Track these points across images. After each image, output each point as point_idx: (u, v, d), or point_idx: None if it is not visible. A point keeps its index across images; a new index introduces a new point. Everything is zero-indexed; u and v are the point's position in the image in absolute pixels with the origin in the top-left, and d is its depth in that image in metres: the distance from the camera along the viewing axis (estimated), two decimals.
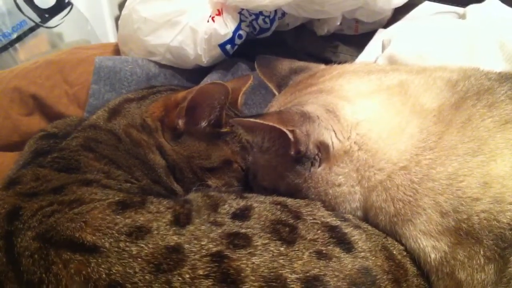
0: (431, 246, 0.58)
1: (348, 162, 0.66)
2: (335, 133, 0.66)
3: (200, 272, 0.50)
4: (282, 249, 0.54)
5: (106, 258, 0.51)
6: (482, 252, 0.54)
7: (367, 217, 0.66)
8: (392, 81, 0.71)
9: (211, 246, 0.53)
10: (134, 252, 0.51)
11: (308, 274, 0.52)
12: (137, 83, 1.11)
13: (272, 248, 0.54)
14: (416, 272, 0.60)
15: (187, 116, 0.78)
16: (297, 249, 0.55)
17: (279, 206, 0.61)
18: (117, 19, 1.42)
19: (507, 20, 1.02)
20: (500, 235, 0.53)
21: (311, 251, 0.55)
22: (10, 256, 0.53)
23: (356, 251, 0.57)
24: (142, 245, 0.52)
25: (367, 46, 1.14)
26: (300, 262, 0.53)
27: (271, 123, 0.64)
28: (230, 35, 1.12)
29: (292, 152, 0.67)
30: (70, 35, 1.50)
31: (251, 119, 0.67)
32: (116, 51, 1.26)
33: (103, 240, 0.52)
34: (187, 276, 0.50)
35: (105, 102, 0.93)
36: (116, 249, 0.51)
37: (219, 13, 1.11)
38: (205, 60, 1.14)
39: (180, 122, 0.78)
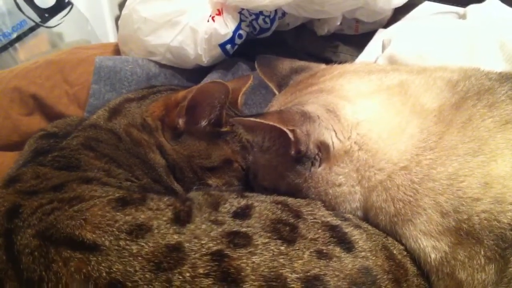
0: (431, 246, 0.58)
1: (348, 162, 0.66)
2: (336, 133, 0.66)
3: (201, 270, 0.50)
4: (282, 248, 0.54)
5: (106, 256, 0.51)
6: (482, 252, 0.54)
7: (368, 217, 0.66)
8: (393, 81, 0.71)
9: (211, 245, 0.53)
10: (134, 251, 0.51)
11: (308, 274, 0.52)
12: (137, 83, 1.11)
13: (272, 247, 0.54)
14: (416, 272, 0.60)
15: (188, 116, 0.78)
16: (297, 248, 0.55)
17: (279, 205, 0.61)
18: (117, 19, 1.42)
19: (507, 20, 1.02)
20: (500, 235, 0.53)
21: (311, 250, 0.55)
22: (10, 254, 0.53)
23: (357, 250, 0.57)
24: (143, 243, 0.52)
25: (367, 46, 1.14)
26: (300, 261, 0.53)
27: (271, 123, 0.64)
28: (230, 35, 1.12)
29: (293, 152, 0.67)
30: (70, 35, 1.50)
31: (252, 119, 0.67)
32: (116, 51, 1.26)
33: (103, 239, 0.52)
34: (188, 274, 0.50)
35: (106, 102, 0.93)
36: (116, 247, 0.51)
37: (219, 13, 1.11)
38: (205, 60, 1.14)
39: (181, 122, 0.78)
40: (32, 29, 1.41)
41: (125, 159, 0.72)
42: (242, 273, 0.50)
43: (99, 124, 0.77)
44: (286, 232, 0.56)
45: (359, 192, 0.66)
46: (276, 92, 0.88)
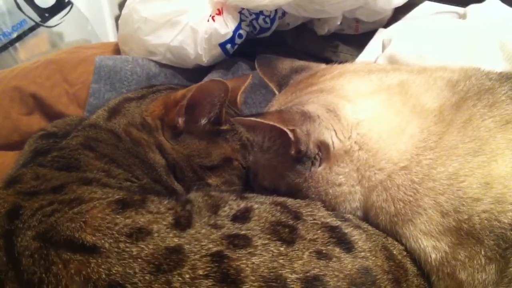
0: (431, 246, 0.58)
1: (348, 162, 0.66)
2: (336, 133, 0.66)
3: (200, 272, 0.50)
4: (282, 249, 0.54)
5: (106, 258, 0.51)
6: (483, 252, 0.54)
7: (368, 217, 0.66)
8: (393, 81, 0.71)
9: (211, 246, 0.53)
10: (134, 253, 0.51)
11: (308, 274, 0.52)
12: (137, 82, 1.11)
13: (272, 248, 0.54)
14: (416, 272, 0.60)
15: (187, 114, 0.78)
16: (297, 249, 0.55)
17: (279, 207, 0.61)
18: (117, 18, 1.41)
19: (507, 20, 1.02)
20: (501, 235, 0.53)
21: (311, 251, 0.55)
22: (10, 255, 0.53)
23: (356, 251, 0.57)
24: (143, 246, 0.52)
25: (367, 46, 1.14)
26: (300, 262, 0.53)
27: (271, 122, 0.64)
28: (230, 35, 1.12)
29: (293, 152, 0.67)
30: (70, 34, 1.50)
31: (252, 118, 0.67)
32: (117, 50, 1.26)
33: (103, 241, 0.52)
34: (187, 276, 0.50)
35: (105, 101, 0.93)
36: (116, 249, 0.51)
37: (219, 13, 1.11)
38: (205, 60, 1.14)
39: (180, 120, 0.78)
40: (32, 29, 1.41)
41: (124, 159, 0.72)
42: (242, 274, 0.50)
43: (98, 124, 0.77)
44: (285, 233, 0.56)
45: (359, 192, 0.66)
46: (276, 92, 0.88)
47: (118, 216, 0.55)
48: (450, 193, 0.58)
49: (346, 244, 0.58)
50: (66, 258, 0.51)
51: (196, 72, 1.19)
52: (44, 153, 0.70)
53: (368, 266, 0.56)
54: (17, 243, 0.54)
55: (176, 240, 0.53)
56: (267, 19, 1.15)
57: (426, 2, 1.19)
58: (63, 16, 1.45)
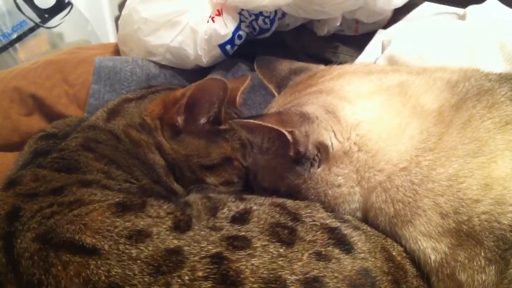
0: (431, 247, 0.58)
1: (347, 163, 0.66)
2: (335, 134, 0.66)
3: (200, 273, 0.50)
4: (281, 250, 0.54)
5: (106, 260, 0.51)
6: (482, 254, 0.54)
7: (367, 218, 0.66)
8: (392, 82, 0.71)
9: (210, 247, 0.53)
10: (133, 254, 0.51)
11: (307, 275, 0.52)
12: (137, 83, 1.11)
13: (271, 250, 0.54)
14: (415, 273, 0.60)
15: (186, 113, 0.78)
16: (296, 250, 0.55)
17: (278, 208, 0.61)
18: (117, 19, 1.41)
19: (507, 21, 1.02)
20: (501, 236, 0.53)
21: (310, 252, 0.55)
22: (10, 257, 0.53)
23: (356, 252, 0.57)
24: (142, 247, 0.52)
25: (367, 47, 1.13)
26: (299, 263, 0.53)
27: (269, 125, 0.64)
28: (230, 36, 1.12)
29: (291, 153, 0.67)
30: (70, 35, 1.50)
31: (250, 120, 0.67)
32: (116, 51, 1.26)
33: (102, 243, 0.52)
34: (187, 278, 0.50)
35: (105, 102, 0.93)
36: (116, 251, 0.51)
37: (219, 14, 1.11)
38: (205, 61, 1.14)
39: (179, 119, 0.78)
40: (32, 30, 1.41)
41: (124, 160, 0.72)
42: (242, 276, 0.50)
43: (98, 125, 0.77)
44: (285, 234, 0.56)
45: (358, 193, 0.66)
46: (275, 93, 0.88)
47: (117, 219, 0.55)
48: (450, 194, 0.58)
49: (346, 245, 0.58)
50: (65, 260, 0.51)
51: (196, 73, 1.19)
52: (44, 154, 0.70)
53: (368, 267, 0.56)
54: (16, 244, 0.54)
55: (176, 242, 0.53)
56: (267, 20, 1.15)
57: (426, 3, 1.19)
58: (63, 17, 1.45)
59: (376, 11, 1.17)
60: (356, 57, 1.14)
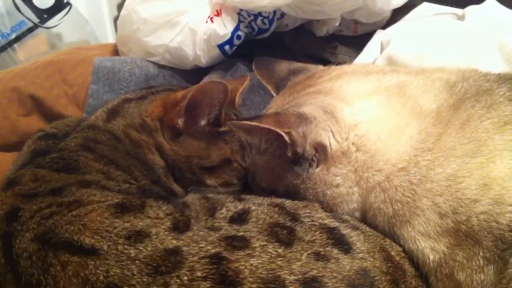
0: (429, 247, 0.58)
1: (346, 163, 0.66)
2: (333, 134, 0.66)
3: (199, 274, 0.50)
4: (280, 250, 0.54)
5: (104, 260, 0.51)
6: (481, 253, 0.54)
7: (366, 218, 0.66)
8: (391, 82, 0.71)
9: (209, 248, 0.53)
10: (132, 255, 0.51)
11: (306, 275, 0.52)
12: (136, 83, 1.11)
13: (270, 250, 0.54)
14: (414, 273, 0.60)
15: (187, 115, 0.78)
16: (295, 250, 0.55)
17: (276, 209, 0.61)
18: (116, 19, 1.41)
19: (505, 21, 1.02)
20: (499, 236, 0.53)
21: (309, 252, 0.55)
22: (8, 257, 0.53)
23: (354, 252, 0.57)
24: (141, 247, 0.52)
25: (365, 47, 1.13)
26: (298, 263, 0.53)
27: (266, 126, 0.64)
28: (229, 36, 1.12)
29: (289, 154, 0.67)
30: (69, 35, 1.50)
31: (247, 122, 0.67)
32: (115, 51, 1.26)
33: (101, 243, 0.52)
34: (185, 278, 0.50)
35: (104, 102, 0.93)
36: (115, 251, 0.51)
37: (218, 14, 1.11)
38: (204, 61, 1.14)
39: (180, 121, 0.78)
40: (31, 30, 1.41)
41: (124, 160, 0.72)
42: (240, 276, 0.50)
43: (97, 125, 0.77)
44: (283, 235, 0.56)
45: (357, 193, 0.66)
46: (274, 94, 0.88)
47: (116, 220, 0.55)
48: (448, 194, 0.58)
49: (344, 245, 0.58)
50: (64, 260, 0.51)
51: (195, 73, 1.19)
52: (43, 154, 0.70)
53: (366, 267, 0.56)
54: (15, 245, 0.54)
55: (175, 242, 0.53)
56: (266, 20, 1.15)
57: (425, 4, 1.19)
58: (62, 17, 1.45)
59: (375, 11, 1.17)
60: (355, 57, 1.14)
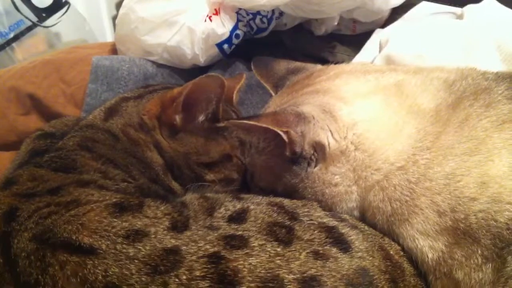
0: (428, 245, 0.59)
1: (344, 162, 0.66)
2: (332, 133, 0.66)
3: (197, 273, 0.50)
4: (279, 249, 0.54)
5: (103, 259, 0.50)
6: (479, 252, 0.54)
7: (365, 216, 0.66)
8: (389, 81, 0.71)
9: (208, 247, 0.53)
10: (131, 254, 0.51)
11: (305, 275, 0.52)
12: (134, 82, 1.11)
13: (269, 249, 0.54)
14: (413, 272, 0.61)
15: (184, 112, 0.78)
16: (294, 249, 0.55)
17: (275, 208, 0.61)
18: (114, 18, 1.41)
19: (504, 20, 1.02)
20: (497, 234, 0.53)
21: (308, 251, 0.55)
22: (6, 257, 0.53)
23: (353, 251, 0.57)
24: (140, 247, 0.52)
25: (364, 46, 1.13)
26: (297, 262, 0.53)
27: (264, 125, 0.64)
28: (227, 35, 1.12)
29: (288, 153, 0.67)
30: (67, 34, 1.50)
31: (246, 121, 0.67)
32: (114, 50, 1.25)
33: (100, 242, 0.52)
34: (184, 277, 0.50)
35: (102, 101, 0.93)
36: (113, 250, 0.51)
37: (217, 13, 1.11)
38: (202, 60, 1.14)
39: (177, 118, 0.78)
40: (29, 29, 1.41)
41: (122, 159, 0.72)
42: (239, 275, 0.50)
43: (95, 124, 0.77)
44: (282, 234, 0.56)
45: (355, 192, 0.66)
46: (273, 93, 0.88)
47: (115, 220, 0.55)
48: (447, 192, 0.58)
49: (343, 245, 0.58)
50: (62, 260, 0.51)
51: (193, 72, 1.19)
52: (41, 154, 0.70)
53: (365, 266, 0.56)
54: (13, 245, 0.53)
55: (173, 242, 0.53)
56: (264, 19, 1.15)
57: (423, 3, 1.19)
58: (61, 16, 1.45)
59: (374, 10, 1.17)
60: (354, 56, 1.14)
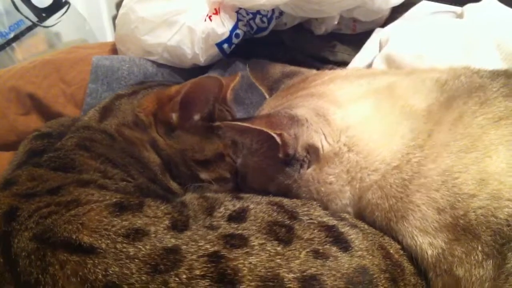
0: (427, 242, 0.59)
1: (338, 164, 0.67)
2: (325, 136, 0.67)
3: (197, 272, 0.50)
4: (279, 248, 0.54)
5: (103, 259, 0.50)
6: (480, 248, 0.54)
7: (363, 214, 0.66)
8: (381, 84, 0.72)
9: (208, 246, 0.53)
10: (131, 253, 0.51)
11: (305, 273, 0.52)
12: (134, 82, 1.10)
13: (269, 248, 0.54)
14: (413, 270, 0.61)
15: (181, 110, 0.78)
16: (294, 248, 0.55)
17: (275, 207, 0.61)
18: (114, 18, 1.41)
19: (504, 19, 1.02)
20: (498, 231, 0.53)
21: (308, 250, 0.55)
22: (7, 257, 0.53)
23: (353, 250, 0.57)
24: (140, 246, 0.52)
25: (364, 45, 1.13)
26: (297, 261, 0.53)
27: (258, 127, 0.65)
28: (227, 34, 1.12)
29: (281, 155, 0.68)
30: (67, 34, 1.50)
31: (240, 123, 0.68)
32: (114, 50, 1.25)
33: (100, 241, 0.52)
34: (184, 276, 0.50)
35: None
36: (113, 250, 0.51)
37: (217, 12, 1.11)
38: (202, 60, 1.14)
39: (174, 116, 0.78)
40: (29, 29, 1.41)
41: (120, 159, 0.72)
42: (239, 274, 0.50)
43: (91, 126, 0.77)
44: (282, 233, 0.56)
45: (348, 192, 0.67)
46: (267, 96, 0.89)
47: (115, 219, 0.55)
48: (445, 189, 0.58)
49: (343, 243, 0.58)
50: (62, 259, 0.51)
51: (193, 72, 1.19)
52: (39, 154, 0.70)
53: (365, 265, 0.56)
54: (14, 244, 0.53)
55: (173, 241, 0.53)
56: (264, 19, 1.15)
57: (423, 2, 1.19)
58: (61, 16, 1.45)
59: (374, 9, 1.17)
60: (354, 55, 1.14)
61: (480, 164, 0.57)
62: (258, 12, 1.12)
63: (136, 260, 0.50)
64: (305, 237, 0.57)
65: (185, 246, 0.52)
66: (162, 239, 0.53)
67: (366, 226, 0.64)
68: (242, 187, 0.80)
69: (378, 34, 1.13)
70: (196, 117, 0.79)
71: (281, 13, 1.17)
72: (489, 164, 0.56)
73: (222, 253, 0.52)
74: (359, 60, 1.09)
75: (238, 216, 0.58)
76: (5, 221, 0.56)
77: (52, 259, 0.51)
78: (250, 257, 0.52)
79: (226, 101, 0.92)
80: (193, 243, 0.53)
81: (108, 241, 0.52)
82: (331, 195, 0.67)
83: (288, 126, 0.66)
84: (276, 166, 0.70)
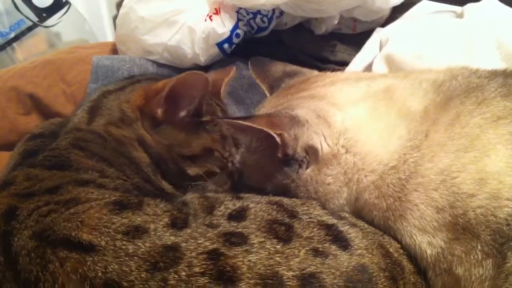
0: (426, 241, 0.59)
1: (336, 165, 0.67)
2: (325, 138, 0.67)
3: (196, 269, 0.50)
4: (278, 247, 0.54)
5: (102, 256, 0.50)
6: (479, 247, 0.55)
7: (361, 214, 0.67)
8: (379, 87, 0.72)
9: (207, 244, 0.53)
10: (130, 251, 0.51)
11: (304, 272, 0.52)
12: None
13: (268, 246, 0.54)
14: (413, 269, 0.61)
15: (166, 105, 0.77)
16: (293, 246, 0.55)
17: (275, 206, 0.61)
18: (115, 18, 1.42)
19: (504, 19, 1.02)
20: (497, 230, 0.53)
21: (307, 248, 0.55)
22: (7, 255, 0.53)
23: (353, 248, 0.57)
24: (139, 243, 0.52)
25: (364, 45, 1.13)
26: (296, 259, 0.53)
27: (259, 126, 0.65)
28: (227, 34, 1.12)
29: (280, 155, 0.68)
30: (68, 34, 1.50)
31: (241, 121, 0.68)
32: (114, 50, 1.26)
33: (99, 239, 0.52)
34: (183, 274, 0.50)
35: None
36: (113, 247, 0.51)
37: (217, 12, 1.11)
38: (202, 59, 1.14)
39: (159, 111, 0.77)
40: (30, 29, 1.42)
41: (115, 158, 0.72)
42: (238, 271, 0.50)
43: (81, 128, 0.76)
44: (282, 231, 0.56)
45: (345, 192, 0.67)
46: (268, 94, 0.89)
47: (115, 217, 0.55)
48: (444, 189, 0.58)
49: (343, 242, 0.58)
50: (62, 257, 0.51)
51: None
52: (34, 154, 0.69)
53: (365, 263, 0.56)
54: (14, 243, 0.53)
55: (173, 238, 0.53)
56: (265, 19, 1.15)
57: (424, 1, 1.20)
58: (61, 16, 1.46)
59: (374, 9, 1.17)
60: (354, 55, 1.14)
61: (479, 163, 0.57)
62: (258, 12, 1.13)
63: (136, 258, 0.50)
64: (305, 236, 0.57)
65: (184, 244, 0.52)
66: (161, 236, 0.53)
67: (366, 225, 0.64)
68: (237, 184, 0.80)
69: (379, 34, 1.13)
70: (182, 113, 0.78)
71: (282, 13, 1.17)
72: (488, 163, 0.56)
73: (221, 250, 0.52)
74: (359, 60, 1.09)
75: (238, 215, 0.59)
76: (5, 220, 0.56)
77: (52, 256, 0.51)
78: (250, 255, 0.52)
79: (219, 96, 0.91)
80: (193, 240, 0.53)
81: (108, 239, 0.52)
82: (328, 195, 0.68)
83: (289, 127, 0.67)
84: (274, 165, 0.71)
